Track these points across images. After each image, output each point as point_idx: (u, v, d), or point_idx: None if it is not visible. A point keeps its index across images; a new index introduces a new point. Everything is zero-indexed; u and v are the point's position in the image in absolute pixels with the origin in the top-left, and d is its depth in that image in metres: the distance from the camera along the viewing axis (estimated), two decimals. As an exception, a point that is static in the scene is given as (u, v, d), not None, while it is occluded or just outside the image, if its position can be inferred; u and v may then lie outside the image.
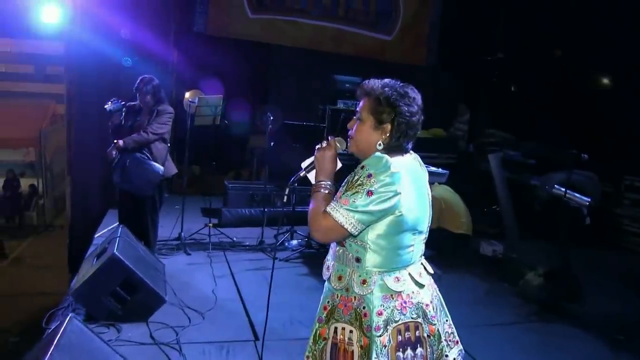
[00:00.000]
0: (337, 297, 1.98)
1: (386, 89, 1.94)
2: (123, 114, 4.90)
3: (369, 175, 1.83)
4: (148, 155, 4.89)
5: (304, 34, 9.19)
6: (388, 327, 1.89)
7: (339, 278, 1.98)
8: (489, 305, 4.81)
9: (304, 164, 2.13)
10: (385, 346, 1.88)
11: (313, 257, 5.79)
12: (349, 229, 1.84)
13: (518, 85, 9.43)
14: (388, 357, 1.88)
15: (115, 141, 4.81)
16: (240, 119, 7.71)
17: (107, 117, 4.95)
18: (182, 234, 5.87)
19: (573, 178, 5.23)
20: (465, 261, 5.88)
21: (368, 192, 1.81)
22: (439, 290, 2.14)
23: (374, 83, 1.98)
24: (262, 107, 6.75)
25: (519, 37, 8.92)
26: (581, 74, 7.91)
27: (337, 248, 2.00)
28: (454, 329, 2.15)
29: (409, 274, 1.96)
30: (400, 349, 1.90)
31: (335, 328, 1.95)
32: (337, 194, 1.91)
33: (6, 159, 16.76)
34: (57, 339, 2.23)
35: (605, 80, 8.29)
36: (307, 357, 2.04)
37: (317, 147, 2.07)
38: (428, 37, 9.95)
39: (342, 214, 1.83)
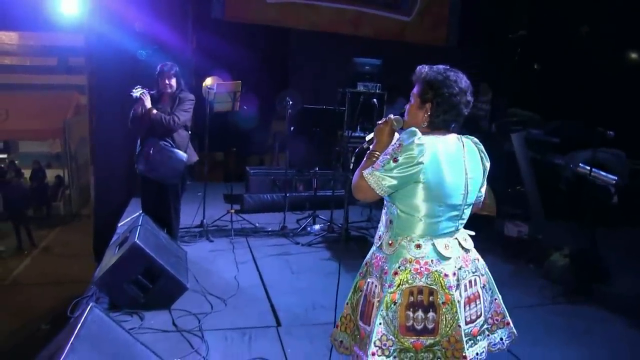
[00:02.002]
0: (374, 255, 2.26)
1: (431, 72, 2.17)
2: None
3: (399, 145, 2.07)
4: (171, 143, 4.89)
5: (323, 17, 9.08)
6: (401, 286, 2.10)
7: (379, 237, 2.26)
8: (514, 286, 4.74)
9: (367, 137, 2.36)
10: (395, 303, 2.10)
11: (335, 241, 5.77)
12: (377, 190, 2.09)
13: (541, 63, 9.22)
14: (397, 313, 2.09)
15: (150, 107, 4.75)
16: (258, 105, 7.67)
17: (128, 106, 4.93)
18: (205, 220, 5.89)
19: (599, 156, 5.11)
20: (489, 242, 5.79)
21: (394, 159, 2.05)
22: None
23: (423, 68, 2.22)
24: (282, 91, 6.69)
25: (542, 13, 8.71)
26: (607, 49, 7.70)
27: (383, 210, 2.27)
28: (505, 310, 2.39)
29: (433, 244, 2.15)
30: (411, 309, 2.10)
31: (368, 282, 2.23)
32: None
33: (32, 150, 17.08)
34: (77, 328, 2.24)
35: (633, 56, 8.08)
36: (347, 304, 2.35)
37: (377, 122, 2.30)
38: (448, 17, 9.76)
39: (373, 177, 2.08)
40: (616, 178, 4.86)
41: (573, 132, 6.37)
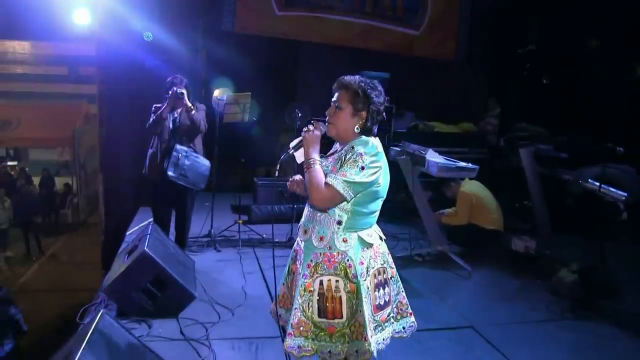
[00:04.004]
0: (320, 254, 2.39)
1: (361, 83, 2.39)
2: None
3: (360, 154, 2.29)
4: (194, 148, 4.97)
5: (332, 30, 9.13)
6: (368, 273, 2.38)
7: (321, 239, 2.40)
8: (521, 302, 4.73)
9: (292, 144, 2.50)
10: (368, 288, 2.37)
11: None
12: (346, 197, 2.28)
13: (550, 78, 9.23)
14: (369, 297, 2.38)
15: (191, 106, 4.85)
16: (267, 116, 7.70)
17: (137, 115, 4.98)
18: (212, 230, 5.91)
19: (608, 172, 5.09)
20: (496, 257, 5.79)
21: (361, 167, 2.28)
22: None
23: (351, 78, 2.43)
24: (290, 104, 6.72)
25: (551, 28, 8.73)
26: (616, 64, 7.70)
27: (319, 214, 2.42)
28: (407, 301, 2.62)
29: (375, 230, 2.48)
30: (377, 289, 2.42)
31: (321, 281, 2.38)
32: (332, 168, 2.35)
33: (42, 158, 17.15)
34: (89, 334, 2.26)
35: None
36: (296, 308, 2.42)
37: (304, 129, 2.44)
38: (457, 31, 9.80)
39: (342, 185, 2.26)
40: (626, 194, 4.84)
41: (582, 148, 6.36)
